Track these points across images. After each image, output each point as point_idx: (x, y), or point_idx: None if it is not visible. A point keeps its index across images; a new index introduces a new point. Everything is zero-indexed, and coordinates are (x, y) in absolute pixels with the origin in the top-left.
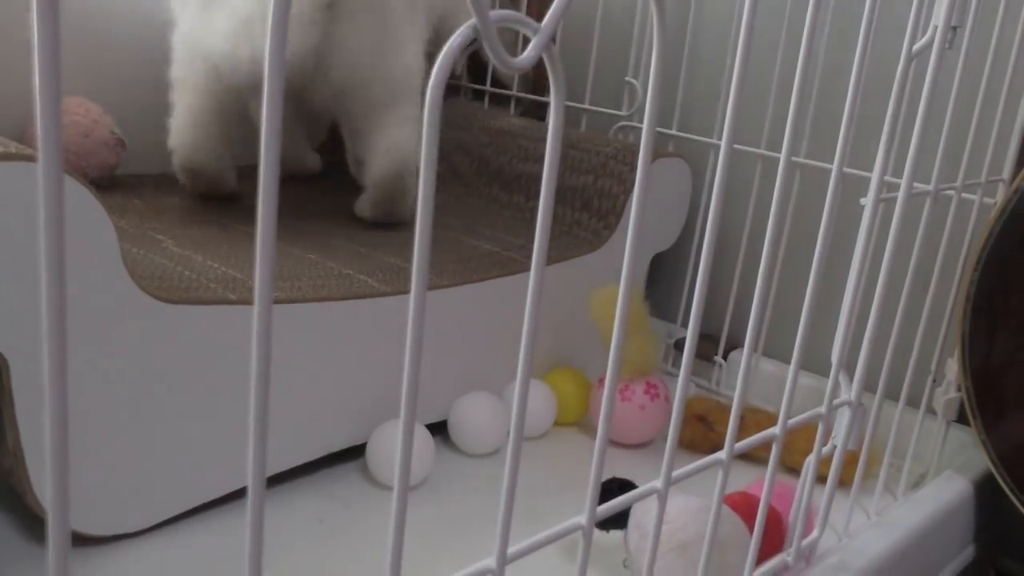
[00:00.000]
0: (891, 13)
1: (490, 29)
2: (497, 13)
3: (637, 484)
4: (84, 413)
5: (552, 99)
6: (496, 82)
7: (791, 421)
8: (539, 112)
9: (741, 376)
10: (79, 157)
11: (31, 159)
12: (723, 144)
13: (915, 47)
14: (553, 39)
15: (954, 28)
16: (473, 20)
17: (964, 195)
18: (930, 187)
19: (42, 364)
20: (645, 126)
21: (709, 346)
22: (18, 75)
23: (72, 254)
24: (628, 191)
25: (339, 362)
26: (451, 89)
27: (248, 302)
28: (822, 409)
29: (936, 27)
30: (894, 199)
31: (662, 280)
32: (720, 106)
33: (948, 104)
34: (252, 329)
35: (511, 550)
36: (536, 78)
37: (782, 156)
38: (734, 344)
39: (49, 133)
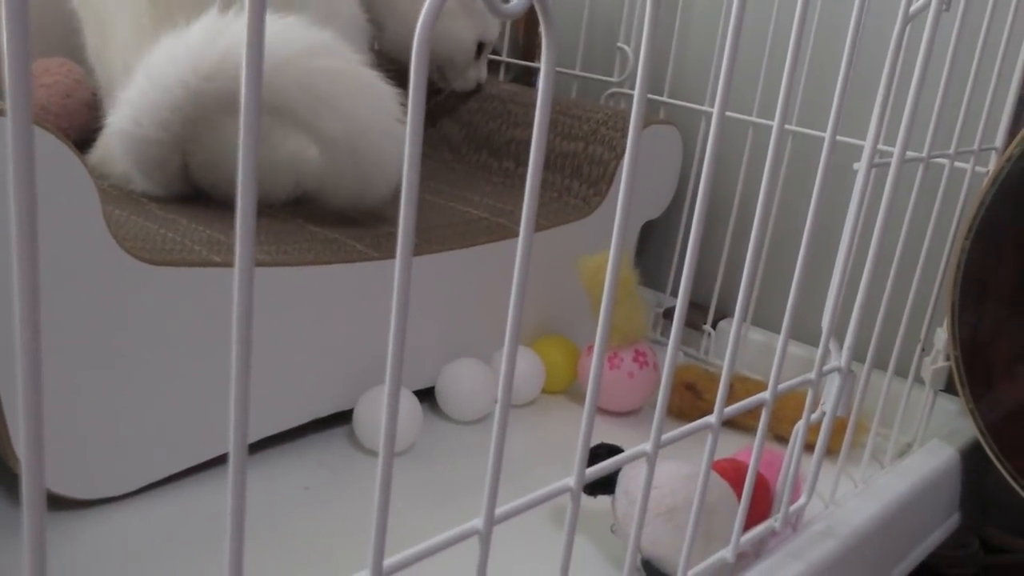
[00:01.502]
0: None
1: None
2: None
3: (625, 450)
4: (63, 373)
5: (544, 45)
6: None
7: (780, 387)
8: (529, 79)
9: (732, 342)
10: (60, 118)
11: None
12: (715, 112)
13: (912, 8)
14: None
15: None
16: None
17: (956, 163)
18: (923, 154)
19: (13, 321)
20: (637, 92)
21: (698, 315)
22: None
23: (52, 212)
24: (619, 158)
25: (325, 327)
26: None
27: (231, 264)
28: (812, 375)
29: None
30: (887, 165)
31: (651, 248)
32: (712, 73)
33: (942, 70)
34: (234, 290)
35: (498, 511)
36: (525, 44)
37: (775, 125)
38: (723, 313)
39: (18, 87)
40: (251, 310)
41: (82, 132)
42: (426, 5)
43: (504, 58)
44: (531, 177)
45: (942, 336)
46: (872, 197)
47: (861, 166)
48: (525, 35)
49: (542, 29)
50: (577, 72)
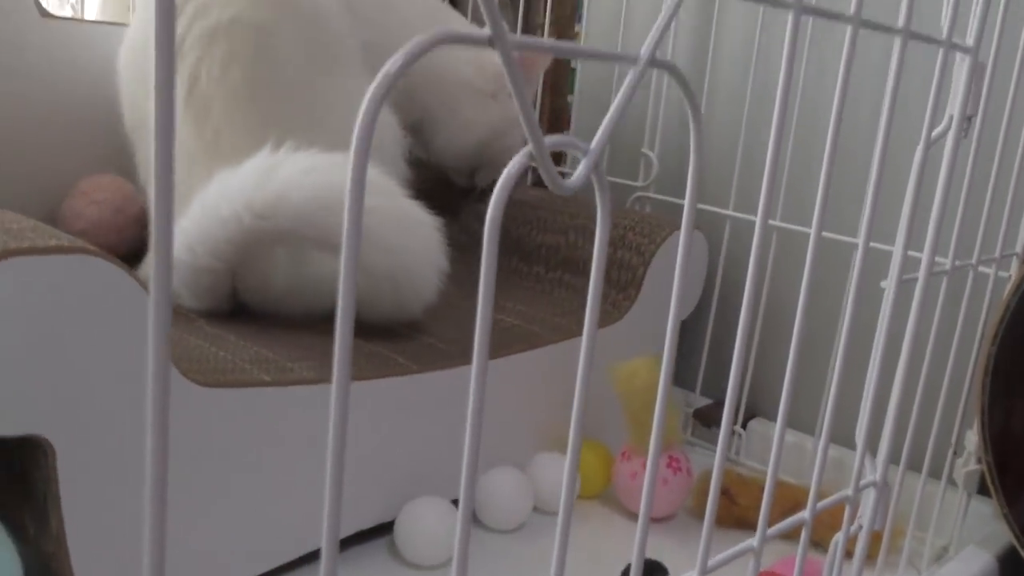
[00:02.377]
0: (906, 93)
1: (545, 155)
2: (551, 139)
3: (663, 562)
4: (131, 495)
5: (599, 213)
6: None
7: (819, 505)
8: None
9: (772, 465)
10: (111, 233)
11: (83, 252)
12: (758, 224)
13: (932, 135)
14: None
15: (969, 118)
16: (528, 147)
17: (980, 269)
18: (947, 265)
19: (143, 468)
20: (685, 220)
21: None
22: (49, 152)
23: (121, 343)
24: (647, 263)
25: (368, 440)
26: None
27: (281, 383)
28: (849, 491)
29: (952, 116)
30: (914, 280)
31: (680, 348)
32: (736, 175)
33: (962, 184)
34: (282, 411)
35: None
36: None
37: (812, 232)
38: (753, 412)
39: (162, 254)
40: (344, 436)
41: (132, 245)
42: (505, 173)
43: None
44: (589, 317)
45: (973, 439)
46: (900, 306)
47: (889, 284)
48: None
49: (597, 201)
50: (604, 169)
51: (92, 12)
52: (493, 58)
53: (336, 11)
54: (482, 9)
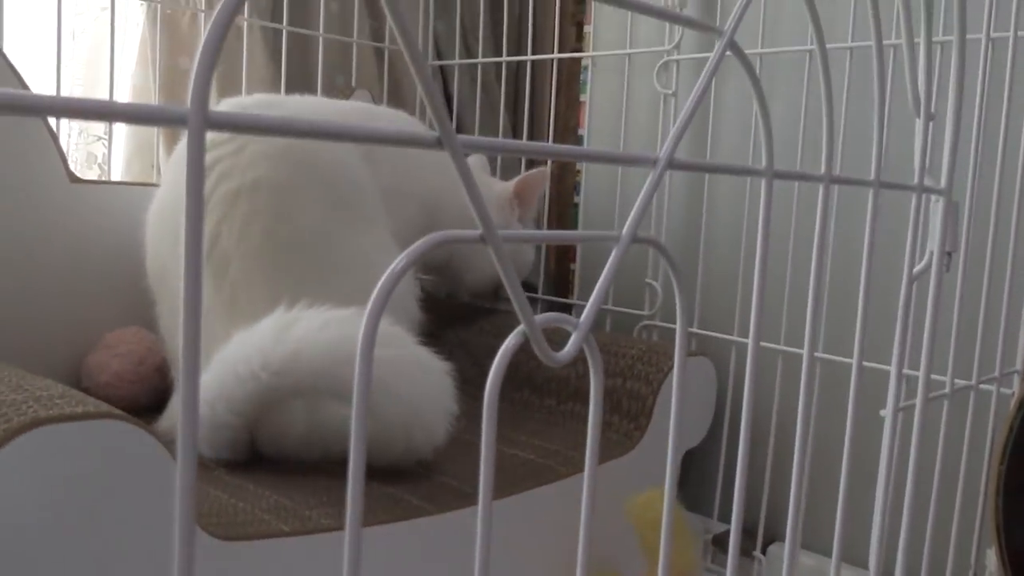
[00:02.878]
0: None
1: (537, 333)
2: (542, 317)
3: None
4: None
5: (592, 381)
6: (525, 287)
7: None
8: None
9: None
10: (133, 384)
11: (109, 417)
12: (750, 346)
13: (915, 270)
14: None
15: (949, 253)
16: (522, 326)
17: (982, 386)
18: (946, 388)
19: None
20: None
21: (746, 540)
22: (76, 306)
23: (145, 502)
24: (656, 392)
25: None
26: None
27: (301, 532)
28: None
29: (932, 252)
30: (913, 406)
31: (693, 474)
32: (739, 301)
33: (953, 310)
34: (302, 559)
35: None
36: (557, 277)
37: (804, 353)
38: (772, 537)
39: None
40: None
41: (154, 395)
42: (502, 349)
43: (540, 295)
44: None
45: (992, 559)
46: (906, 429)
47: (888, 413)
48: (557, 267)
49: (591, 366)
50: (610, 307)
51: (117, 172)
52: (506, 189)
53: (355, 163)
54: (473, 213)
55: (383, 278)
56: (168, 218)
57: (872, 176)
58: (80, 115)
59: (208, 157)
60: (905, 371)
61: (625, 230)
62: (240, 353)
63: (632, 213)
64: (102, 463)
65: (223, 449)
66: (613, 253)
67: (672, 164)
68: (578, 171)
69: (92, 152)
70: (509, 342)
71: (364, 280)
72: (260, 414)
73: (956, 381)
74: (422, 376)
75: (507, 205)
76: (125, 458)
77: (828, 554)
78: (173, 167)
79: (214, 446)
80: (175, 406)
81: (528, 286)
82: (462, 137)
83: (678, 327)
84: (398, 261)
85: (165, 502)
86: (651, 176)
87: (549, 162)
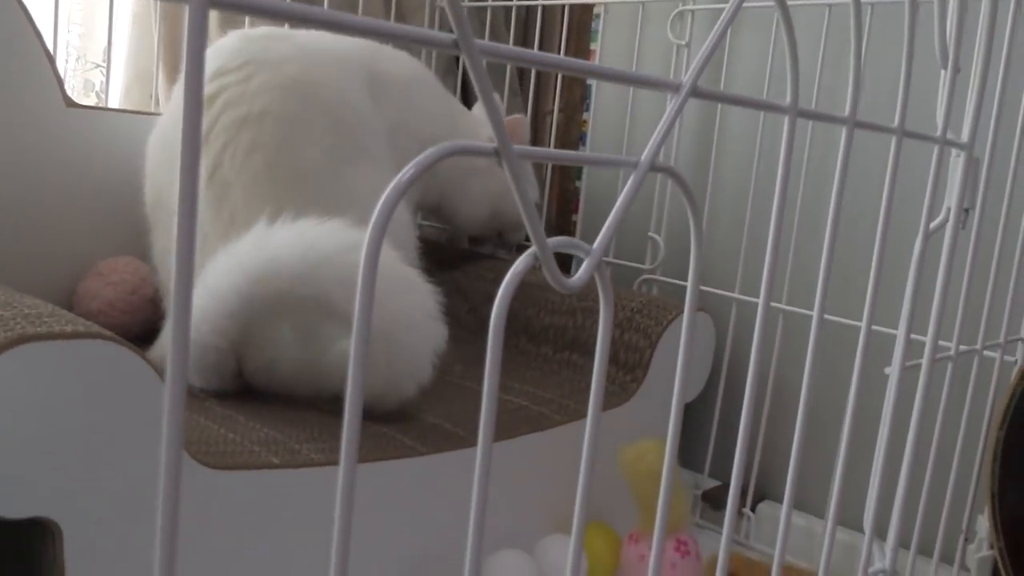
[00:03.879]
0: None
1: (549, 256)
2: (555, 240)
3: None
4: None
5: (602, 310)
6: (524, 235)
7: None
8: (562, 264)
9: (779, 550)
10: (125, 314)
11: (99, 336)
12: (760, 307)
13: (931, 226)
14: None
15: (966, 210)
16: (533, 248)
17: (986, 353)
18: (951, 351)
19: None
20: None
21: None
22: (70, 234)
23: (133, 426)
24: (654, 345)
25: (374, 522)
26: (475, 241)
27: (291, 465)
28: None
29: (949, 208)
30: (918, 366)
31: (686, 429)
32: (741, 259)
33: (964, 270)
34: (290, 492)
35: None
36: (558, 226)
37: (814, 316)
38: (762, 495)
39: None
40: (350, 519)
41: (145, 326)
42: (511, 272)
43: None
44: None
45: (984, 524)
46: (906, 391)
47: (893, 371)
48: (558, 219)
49: (601, 298)
50: (611, 259)
51: (115, 101)
52: (487, 131)
53: (361, 99)
54: (490, 124)
55: (387, 190)
56: (169, 145)
57: (896, 123)
58: None
59: (214, 85)
60: (912, 336)
61: (644, 156)
62: (221, 268)
63: (652, 140)
64: (90, 384)
65: (210, 375)
66: (630, 180)
67: (695, 92)
68: (584, 122)
69: (89, 80)
70: (519, 264)
71: (365, 215)
72: (245, 338)
73: (960, 346)
74: (404, 291)
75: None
76: (113, 380)
77: (818, 514)
78: (177, 96)
79: (201, 372)
80: (166, 336)
81: (526, 235)
82: (479, 42)
83: (692, 258)
84: (405, 171)
85: (153, 425)
86: (673, 103)
87: (529, 111)
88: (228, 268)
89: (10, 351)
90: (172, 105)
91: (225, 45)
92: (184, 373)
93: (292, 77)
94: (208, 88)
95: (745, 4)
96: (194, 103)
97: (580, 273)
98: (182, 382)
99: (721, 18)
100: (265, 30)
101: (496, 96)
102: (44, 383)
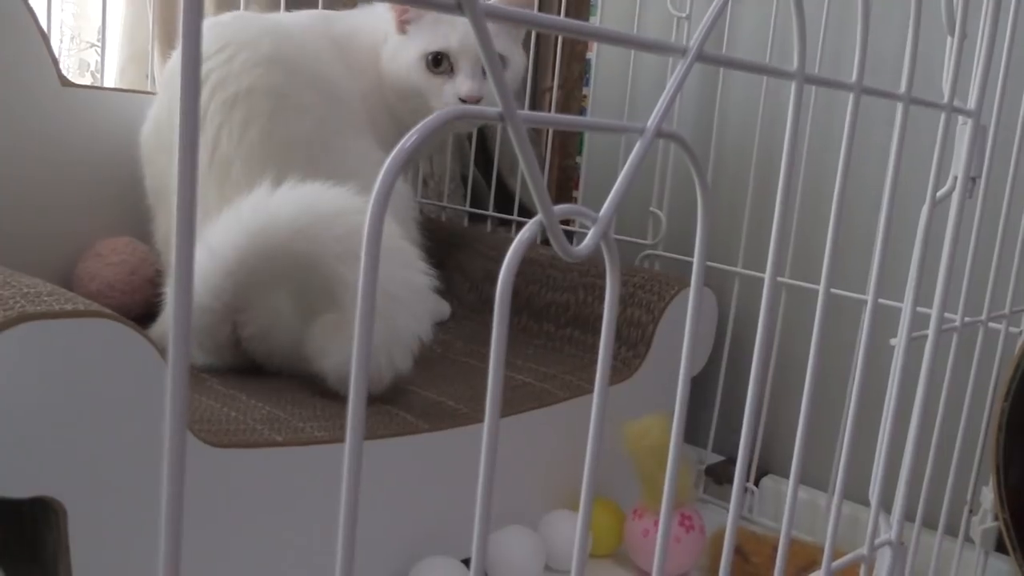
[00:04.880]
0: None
1: (555, 224)
2: (561, 208)
3: None
4: (141, 555)
5: (608, 277)
6: (523, 211)
7: (833, 564)
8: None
9: (785, 523)
10: (125, 294)
11: (98, 315)
12: (766, 282)
13: (938, 195)
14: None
15: (973, 179)
16: (539, 216)
17: (991, 325)
18: (956, 322)
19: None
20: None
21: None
22: (67, 214)
23: (134, 404)
24: (656, 320)
25: (378, 499)
26: (478, 218)
27: (295, 443)
28: (864, 550)
29: (956, 177)
30: (924, 337)
31: (690, 405)
32: (744, 233)
33: (970, 240)
34: (294, 470)
35: None
36: (558, 198)
37: (820, 289)
38: (765, 470)
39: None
40: (357, 496)
41: (145, 306)
42: (517, 239)
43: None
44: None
45: (989, 496)
46: (912, 362)
47: (899, 342)
48: (559, 195)
49: (607, 266)
50: (613, 236)
51: (111, 80)
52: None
53: (340, 71)
54: (494, 89)
55: (391, 155)
56: (164, 135)
57: (903, 90)
58: None
59: (204, 69)
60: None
61: (650, 122)
62: (222, 225)
63: (658, 106)
64: (91, 362)
65: (205, 340)
66: (636, 147)
67: (701, 56)
68: (584, 97)
69: (84, 60)
70: (524, 233)
71: (362, 183)
72: (241, 300)
73: (965, 318)
74: (397, 257)
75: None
76: (115, 358)
77: (821, 487)
78: (166, 86)
79: (196, 336)
80: (167, 314)
81: (528, 212)
82: (484, 4)
83: (699, 228)
84: (408, 137)
85: (155, 403)
86: (680, 66)
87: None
88: (228, 225)
89: (10, 330)
90: (162, 95)
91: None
92: (187, 351)
93: (271, 53)
94: None
95: None
96: (192, 86)
97: (587, 241)
98: (185, 360)
99: None
100: (232, 14)
101: (499, 60)
102: (45, 362)
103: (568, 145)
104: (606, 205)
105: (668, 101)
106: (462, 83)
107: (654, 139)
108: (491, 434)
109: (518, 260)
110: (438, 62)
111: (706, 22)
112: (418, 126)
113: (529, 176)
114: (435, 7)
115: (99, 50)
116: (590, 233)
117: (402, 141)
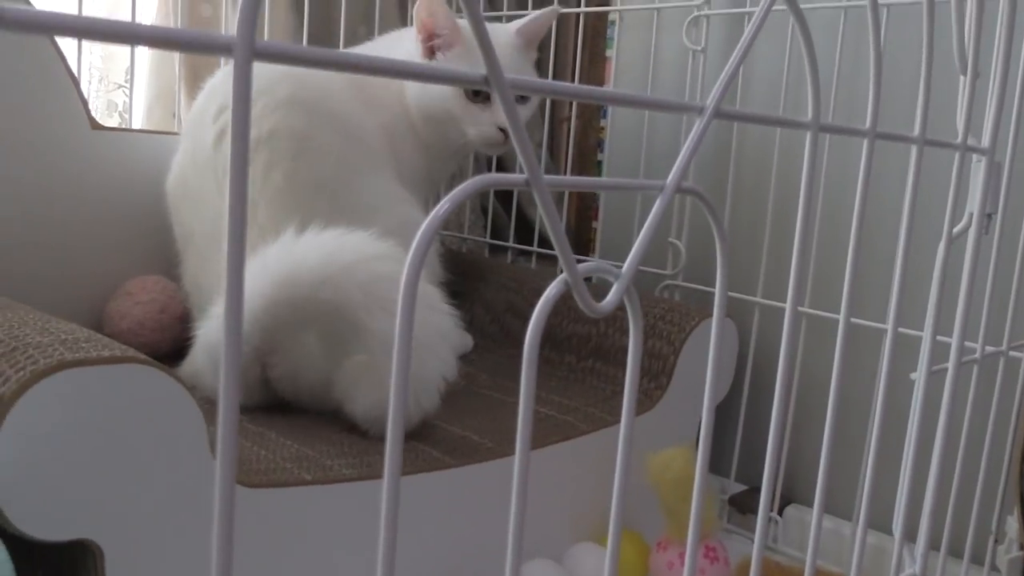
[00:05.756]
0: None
1: (579, 282)
2: (585, 265)
3: None
4: None
5: (631, 332)
6: (543, 242)
7: None
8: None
9: (810, 554)
10: (155, 332)
11: (134, 361)
12: (788, 312)
13: (954, 231)
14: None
15: (989, 215)
16: (563, 275)
17: (1011, 354)
18: (976, 354)
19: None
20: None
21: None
22: (97, 254)
23: (168, 446)
24: (677, 351)
25: (404, 535)
26: (498, 249)
27: (323, 482)
28: None
29: (971, 214)
30: (944, 370)
31: (712, 434)
32: (763, 265)
33: (987, 273)
34: (323, 508)
35: None
36: (578, 236)
37: (840, 319)
38: (788, 499)
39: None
40: (395, 535)
41: (175, 344)
42: (544, 298)
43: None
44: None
45: (1014, 524)
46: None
47: (919, 375)
48: (578, 226)
49: (630, 320)
50: (635, 291)
51: (138, 121)
52: (510, 34)
53: (358, 109)
54: (519, 155)
55: (425, 222)
56: (189, 184)
57: (916, 132)
58: (131, 40)
59: (222, 121)
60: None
61: (670, 179)
62: (248, 273)
63: (678, 162)
64: (127, 406)
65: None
66: (657, 203)
67: (719, 113)
68: (601, 128)
69: (112, 100)
70: (550, 291)
71: (385, 221)
72: (269, 343)
73: (986, 348)
74: (422, 306)
75: (518, 53)
76: (150, 402)
77: (845, 516)
78: (189, 135)
79: None
80: (196, 353)
81: (548, 243)
82: (510, 78)
83: (718, 282)
84: (441, 205)
85: (189, 446)
86: (697, 125)
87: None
88: (254, 273)
89: (50, 377)
90: (185, 144)
91: (217, 85)
92: (235, 408)
93: (289, 96)
94: (217, 125)
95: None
96: (241, 149)
97: (610, 297)
98: (234, 417)
99: (742, 40)
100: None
101: (526, 132)
102: (83, 407)
103: (587, 172)
104: (628, 261)
105: (687, 158)
106: (500, 112)
107: (675, 194)
108: (521, 482)
109: (545, 316)
110: (477, 92)
111: (723, 80)
112: (450, 194)
113: (554, 236)
114: (465, 84)
115: (127, 91)
116: (613, 289)
117: (435, 209)
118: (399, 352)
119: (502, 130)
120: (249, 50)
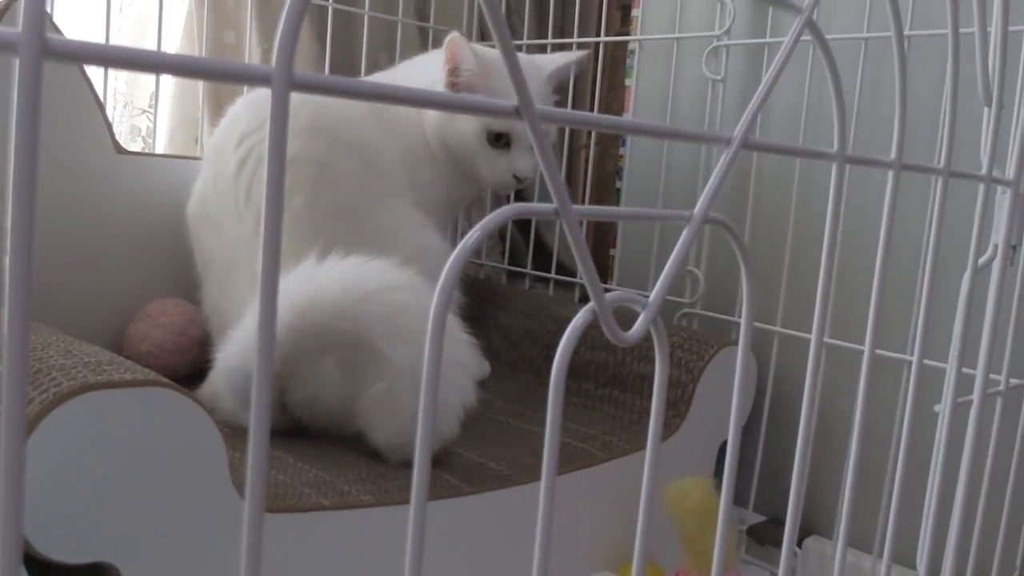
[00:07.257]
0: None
1: (607, 311)
2: (613, 295)
3: None
4: None
5: (658, 362)
6: (560, 269)
7: None
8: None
9: None
10: (174, 354)
11: (156, 384)
12: (812, 345)
13: (979, 263)
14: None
15: (1014, 247)
16: (591, 304)
17: None
18: (1001, 386)
19: None
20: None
21: (780, 533)
22: (118, 277)
23: (188, 469)
24: (696, 380)
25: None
26: (515, 275)
27: (341, 507)
28: None
29: (996, 245)
30: (968, 402)
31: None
32: (783, 292)
33: (1012, 304)
34: (341, 534)
35: None
36: (595, 263)
37: (865, 351)
38: (808, 530)
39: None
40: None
41: (194, 366)
42: (570, 328)
43: (579, 279)
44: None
45: None
46: (958, 424)
47: (943, 408)
48: (596, 252)
49: (656, 350)
50: (651, 294)
51: (161, 146)
52: (543, 68)
53: (377, 136)
54: (550, 187)
55: (454, 253)
56: (209, 209)
57: (941, 164)
58: (166, 69)
59: (243, 148)
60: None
61: (697, 210)
62: None
63: (705, 192)
64: (148, 429)
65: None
66: (684, 233)
67: (746, 144)
68: (620, 156)
69: (136, 125)
70: (577, 321)
71: (405, 246)
72: (288, 369)
73: (1011, 380)
74: (448, 341)
75: (545, 98)
76: (171, 425)
77: (866, 549)
78: (209, 162)
79: (243, 400)
80: (215, 377)
81: (565, 270)
82: (541, 108)
83: (744, 313)
84: (470, 235)
85: (209, 469)
86: (725, 155)
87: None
88: None
89: (73, 399)
90: (206, 171)
91: (238, 112)
92: (266, 439)
93: (309, 123)
94: (239, 152)
95: (782, 39)
96: (276, 175)
97: (637, 327)
98: (264, 446)
99: (768, 74)
100: (263, 91)
101: (555, 164)
102: (104, 430)
103: (604, 196)
104: (655, 290)
105: (715, 190)
106: (518, 160)
107: (702, 225)
108: (546, 511)
109: (572, 347)
110: (499, 138)
111: (750, 111)
112: (480, 223)
113: (583, 266)
114: (496, 114)
115: (151, 116)
116: (640, 319)
117: (464, 240)
118: (427, 384)
119: (516, 177)
120: (287, 81)
